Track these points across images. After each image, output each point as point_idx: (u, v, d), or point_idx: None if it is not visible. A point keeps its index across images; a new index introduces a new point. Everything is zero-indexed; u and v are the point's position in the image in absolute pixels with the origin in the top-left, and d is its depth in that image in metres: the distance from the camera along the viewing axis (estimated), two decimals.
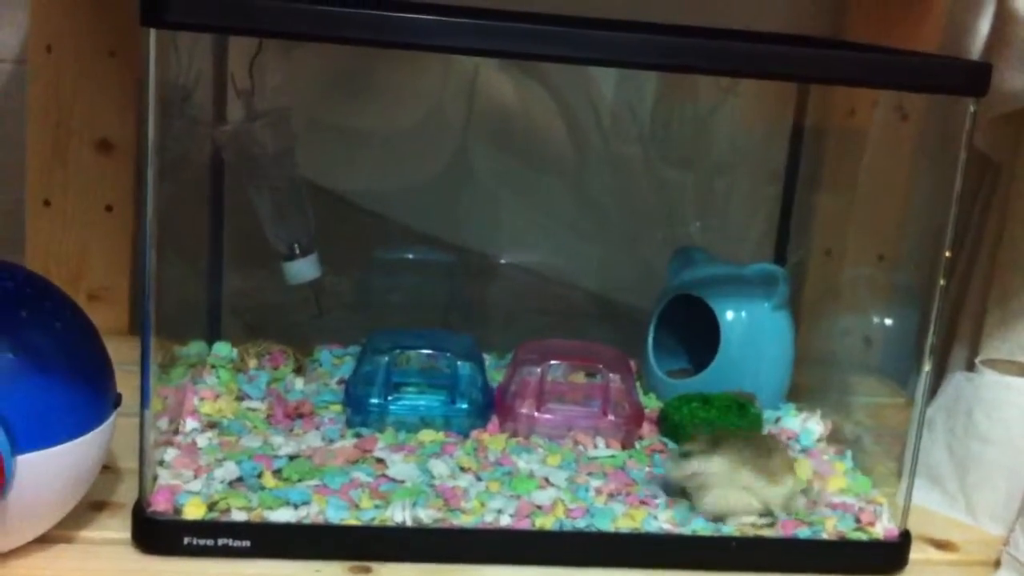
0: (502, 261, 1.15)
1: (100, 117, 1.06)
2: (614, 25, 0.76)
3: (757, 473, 0.79)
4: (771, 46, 0.75)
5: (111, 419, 0.73)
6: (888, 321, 1.12)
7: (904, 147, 1.14)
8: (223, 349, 0.98)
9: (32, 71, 1.04)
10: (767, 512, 0.79)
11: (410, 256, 1.13)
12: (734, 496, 0.78)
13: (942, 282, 0.78)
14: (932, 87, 0.78)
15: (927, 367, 0.79)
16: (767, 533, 0.79)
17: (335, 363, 1.00)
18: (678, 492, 0.81)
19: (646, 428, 0.92)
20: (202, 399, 0.89)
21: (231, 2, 0.67)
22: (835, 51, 0.78)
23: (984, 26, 0.99)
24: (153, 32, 0.67)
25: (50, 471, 0.69)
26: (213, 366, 0.96)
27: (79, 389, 0.70)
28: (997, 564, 0.81)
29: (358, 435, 0.86)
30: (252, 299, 1.05)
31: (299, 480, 0.78)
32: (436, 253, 1.13)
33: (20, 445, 0.66)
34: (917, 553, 0.81)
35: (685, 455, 0.79)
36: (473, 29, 0.69)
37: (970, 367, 0.96)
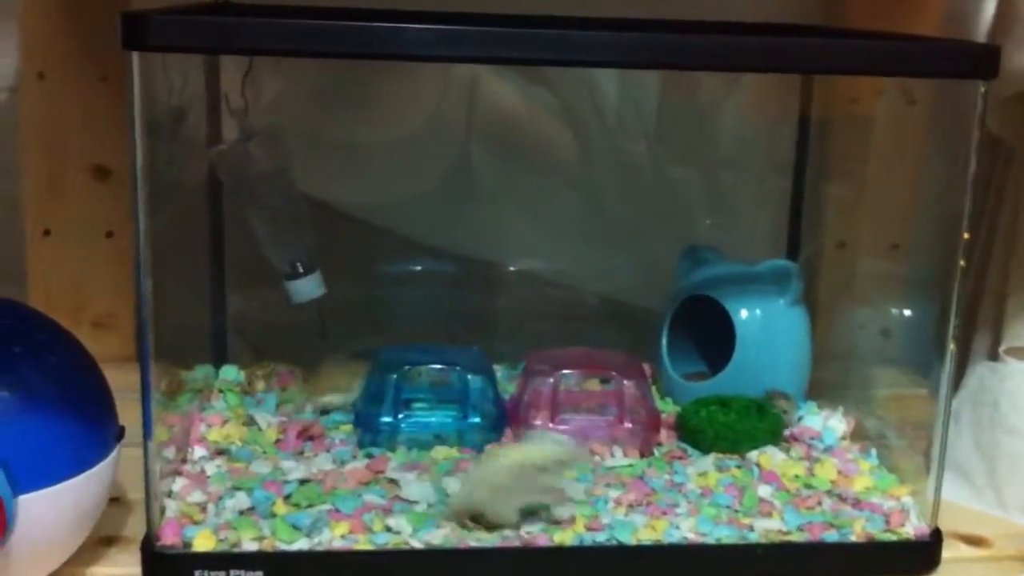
0: (509, 269, 1.13)
1: (95, 143, 1.04)
2: (609, 24, 0.74)
3: None
4: (771, 39, 0.72)
5: (114, 453, 0.72)
6: (906, 311, 1.09)
7: (912, 133, 1.11)
8: (230, 372, 0.97)
9: (23, 99, 1.02)
10: None
11: (416, 268, 1.11)
12: None
13: (962, 263, 0.76)
14: (940, 72, 0.76)
15: (951, 349, 0.76)
16: (795, 538, 0.77)
17: None
18: None
19: (664, 434, 0.89)
20: (209, 425, 0.87)
21: (212, 22, 0.66)
22: (838, 40, 0.76)
23: (989, 5, 0.97)
24: (136, 55, 0.65)
25: (53, 510, 0.67)
26: (220, 390, 0.94)
27: (78, 424, 0.69)
28: None
29: (369, 455, 0.84)
30: (257, 320, 1.03)
31: (309, 506, 0.76)
32: (442, 264, 1.11)
33: (21, 485, 0.65)
34: (948, 551, 0.79)
35: None
36: (465, 37, 0.67)
37: (992, 357, 0.94)
